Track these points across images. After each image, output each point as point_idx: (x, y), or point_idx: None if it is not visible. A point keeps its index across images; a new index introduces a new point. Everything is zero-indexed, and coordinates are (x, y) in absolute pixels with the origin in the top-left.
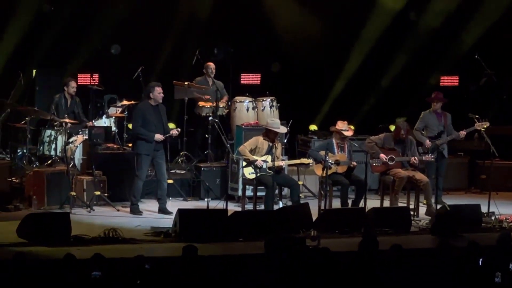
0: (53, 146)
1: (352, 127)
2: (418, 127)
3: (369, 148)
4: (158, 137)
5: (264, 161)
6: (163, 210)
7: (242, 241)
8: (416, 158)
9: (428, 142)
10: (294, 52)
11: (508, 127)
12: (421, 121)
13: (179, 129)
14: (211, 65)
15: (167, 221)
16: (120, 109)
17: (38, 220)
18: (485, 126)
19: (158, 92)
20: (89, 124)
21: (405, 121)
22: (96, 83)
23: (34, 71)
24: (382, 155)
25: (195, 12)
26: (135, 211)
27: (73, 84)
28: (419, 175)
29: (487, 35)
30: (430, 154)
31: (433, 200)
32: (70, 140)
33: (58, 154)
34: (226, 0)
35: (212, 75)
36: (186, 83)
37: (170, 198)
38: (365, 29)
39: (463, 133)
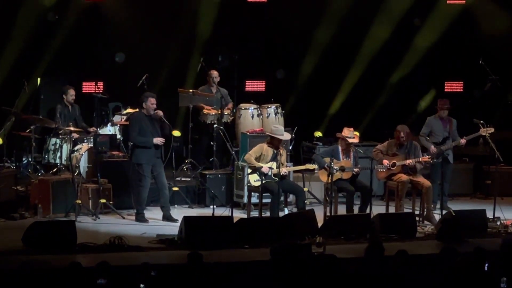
0: (58, 154)
1: (358, 134)
2: (423, 132)
3: (374, 156)
4: (157, 140)
5: (270, 168)
6: (167, 217)
7: (248, 248)
8: (411, 160)
9: (433, 148)
10: (298, 58)
11: None
12: (426, 126)
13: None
14: (214, 73)
15: (173, 229)
16: (125, 117)
17: (43, 228)
18: (490, 132)
19: (151, 103)
20: (91, 129)
21: (405, 125)
22: (101, 91)
23: (38, 79)
24: (384, 161)
25: (199, 20)
26: (141, 219)
27: (71, 92)
28: (421, 179)
29: (492, 40)
30: (433, 159)
31: (438, 206)
32: (75, 148)
33: (63, 162)
34: (231, 8)
35: (216, 83)
36: (190, 90)
37: (176, 206)
38: (370, 34)
39: (463, 141)
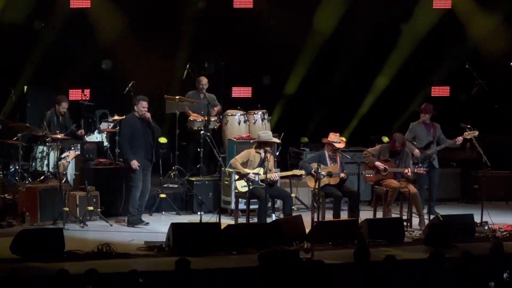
0: (46, 162)
1: (344, 139)
2: (407, 137)
3: (365, 159)
4: (134, 164)
5: (256, 173)
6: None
7: (236, 254)
8: (410, 170)
9: (417, 151)
10: (284, 64)
11: (500, 136)
12: (410, 132)
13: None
14: (204, 79)
15: (161, 236)
16: (111, 124)
17: (31, 236)
18: (474, 135)
19: (142, 106)
20: (80, 132)
21: (401, 134)
22: (88, 99)
23: (25, 87)
24: (377, 162)
25: (185, 26)
26: (136, 222)
27: (64, 105)
28: (409, 187)
29: (478, 44)
30: (421, 166)
31: (425, 211)
32: (62, 155)
33: (50, 170)
34: (217, 14)
35: (204, 90)
36: (177, 97)
37: (163, 212)
38: (356, 40)
39: (459, 139)
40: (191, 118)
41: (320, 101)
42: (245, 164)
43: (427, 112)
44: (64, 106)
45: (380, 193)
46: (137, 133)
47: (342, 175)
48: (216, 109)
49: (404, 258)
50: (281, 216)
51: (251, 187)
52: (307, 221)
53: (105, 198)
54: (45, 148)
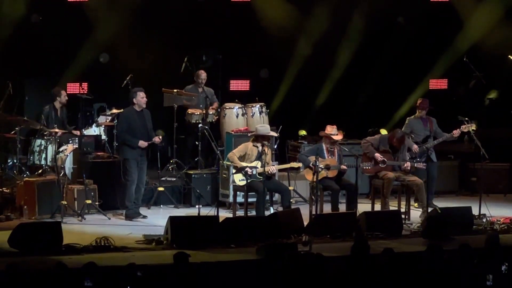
0: (44, 155)
1: (342, 132)
2: (404, 131)
3: (364, 148)
4: (142, 143)
5: (254, 167)
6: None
7: (234, 248)
8: (409, 164)
9: (415, 147)
10: (282, 57)
11: (498, 129)
12: (407, 126)
13: (161, 137)
14: (203, 74)
15: (159, 229)
16: (109, 118)
17: (29, 230)
18: (472, 128)
19: (141, 97)
20: (76, 132)
21: (402, 131)
22: (85, 92)
23: (23, 81)
24: (377, 154)
25: (183, 19)
26: (133, 215)
27: (64, 93)
28: (411, 177)
29: (476, 38)
30: (420, 161)
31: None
32: (60, 149)
33: (48, 163)
34: (215, 7)
35: (203, 84)
36: (175, 90)
37: (161, 206)
38: (353, 33)
39: (456, 132)
40: (189, 111)
41: (317, 93)
42: (242, 157)
43: (423, 108)
44: (64, 94)
45: (378, 186)
46: (134, 126)
47: (343, 167)
48: (213, 107)
49: (402, 251)
50: (279, 209)
51: (249, 181)
52: (305, 214)
53: (103, 191)
54: (43, 142)
